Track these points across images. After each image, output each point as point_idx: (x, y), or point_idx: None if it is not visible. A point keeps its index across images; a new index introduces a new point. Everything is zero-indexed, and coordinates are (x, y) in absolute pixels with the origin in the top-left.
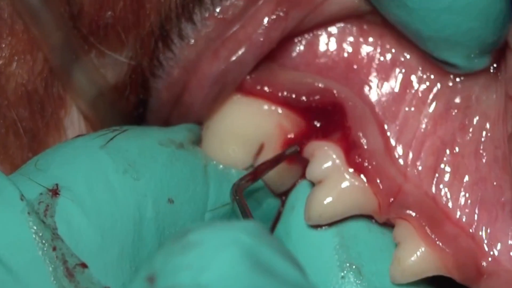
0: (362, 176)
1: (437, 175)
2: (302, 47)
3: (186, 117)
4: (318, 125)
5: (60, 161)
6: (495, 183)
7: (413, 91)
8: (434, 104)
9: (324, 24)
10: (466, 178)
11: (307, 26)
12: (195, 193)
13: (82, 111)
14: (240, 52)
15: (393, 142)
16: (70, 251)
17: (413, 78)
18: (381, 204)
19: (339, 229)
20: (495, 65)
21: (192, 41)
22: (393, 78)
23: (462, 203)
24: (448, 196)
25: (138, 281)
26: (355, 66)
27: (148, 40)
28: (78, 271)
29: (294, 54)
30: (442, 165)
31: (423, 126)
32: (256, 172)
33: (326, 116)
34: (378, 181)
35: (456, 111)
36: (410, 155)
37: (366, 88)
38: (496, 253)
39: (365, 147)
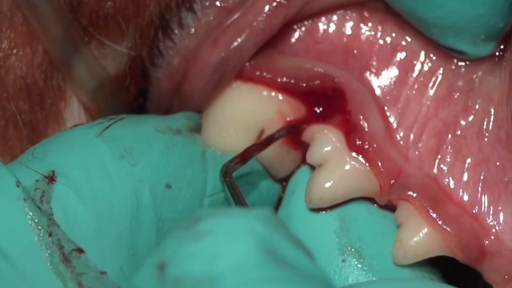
0: (362, 158)
1: (439, 156)
2: (301, 33)
3: (186, 106)
4: (318, 110)
5: (56, 150)
6: (498, 163)
7: (414, 75)
8: (436, 87)
9: (325, 11)
10: (469, 159)
11: (308, 13)
12: (193, 178)
13: (83, 102)
14: (240, 40)
15: (394, 125)
16: (66, 237)
17: (415, 62)
18: (382, 186)
19: (339, 212)
20: (501, 47)
21: (193, 30)
22: (394, 62)
23: (465, 183)
24: (450, 177)
25: (147, 268)
26: (355, 51)
27: (147, 29)
28: (74, 256)
29: (293, 40)
30: (444, 147)
31: (425, 109)
32: (245, 154)
33: (326, 101)
34: (379, 163)
35: (458, 94)
36: (412, 137)
37: (367, 73)
38: (499, 232)
39: (366, 130)
